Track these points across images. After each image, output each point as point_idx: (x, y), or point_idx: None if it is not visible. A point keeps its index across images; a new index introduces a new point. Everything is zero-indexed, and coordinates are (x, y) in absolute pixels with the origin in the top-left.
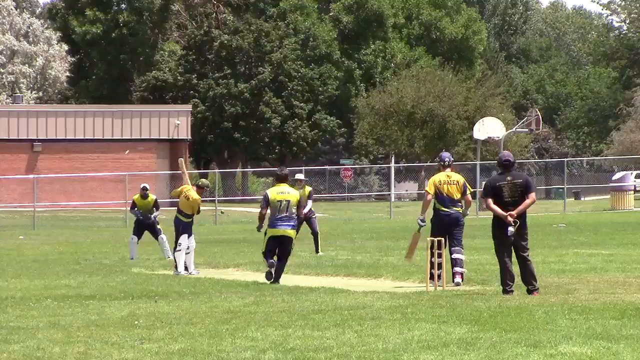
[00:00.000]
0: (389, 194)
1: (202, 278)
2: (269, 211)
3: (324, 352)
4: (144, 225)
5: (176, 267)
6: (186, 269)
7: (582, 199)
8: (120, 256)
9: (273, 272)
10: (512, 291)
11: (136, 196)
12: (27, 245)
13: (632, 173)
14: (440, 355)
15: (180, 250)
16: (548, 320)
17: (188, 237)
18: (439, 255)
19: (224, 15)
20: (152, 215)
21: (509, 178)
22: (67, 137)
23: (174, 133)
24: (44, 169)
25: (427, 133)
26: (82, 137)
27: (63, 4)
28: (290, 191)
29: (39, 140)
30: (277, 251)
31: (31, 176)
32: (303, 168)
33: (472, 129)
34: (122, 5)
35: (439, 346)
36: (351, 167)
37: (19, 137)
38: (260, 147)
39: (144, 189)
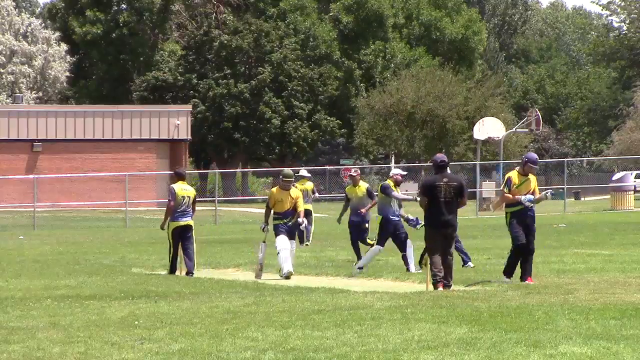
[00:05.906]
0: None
1: (202, 278)
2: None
3: (324, 353)
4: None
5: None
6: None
7: (582, 199)
8: (120, 256)
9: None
10: (441, 282)
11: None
12: (27, 245)
13: (632, 173)
14: (440, 356)
15: (279, 253)
16: (548, 320)
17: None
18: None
19: (224, 15)
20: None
21: (445, 180)
22: (67, 137)
23: (174, 133)
24: (44, 169)
25: (427, 133)
26: (82, 137)
27: (63, 4)
28: (190, 188)
29: (39, 140)
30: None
31: (31, 176)
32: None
33: (472, 129)
34: (122, 5)
35: (439, 346)
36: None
37: (19, 137)
38: (260, 147)
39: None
